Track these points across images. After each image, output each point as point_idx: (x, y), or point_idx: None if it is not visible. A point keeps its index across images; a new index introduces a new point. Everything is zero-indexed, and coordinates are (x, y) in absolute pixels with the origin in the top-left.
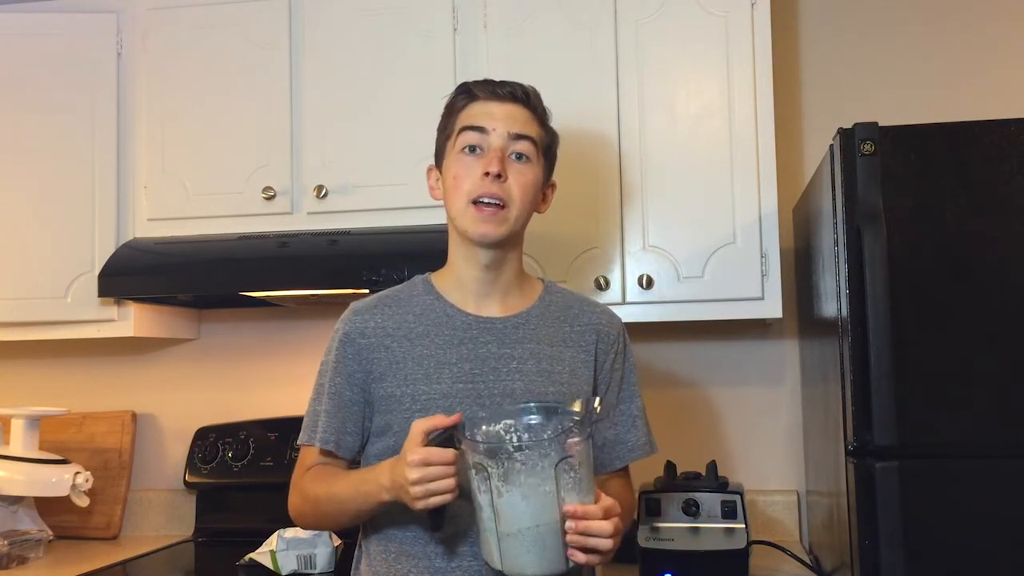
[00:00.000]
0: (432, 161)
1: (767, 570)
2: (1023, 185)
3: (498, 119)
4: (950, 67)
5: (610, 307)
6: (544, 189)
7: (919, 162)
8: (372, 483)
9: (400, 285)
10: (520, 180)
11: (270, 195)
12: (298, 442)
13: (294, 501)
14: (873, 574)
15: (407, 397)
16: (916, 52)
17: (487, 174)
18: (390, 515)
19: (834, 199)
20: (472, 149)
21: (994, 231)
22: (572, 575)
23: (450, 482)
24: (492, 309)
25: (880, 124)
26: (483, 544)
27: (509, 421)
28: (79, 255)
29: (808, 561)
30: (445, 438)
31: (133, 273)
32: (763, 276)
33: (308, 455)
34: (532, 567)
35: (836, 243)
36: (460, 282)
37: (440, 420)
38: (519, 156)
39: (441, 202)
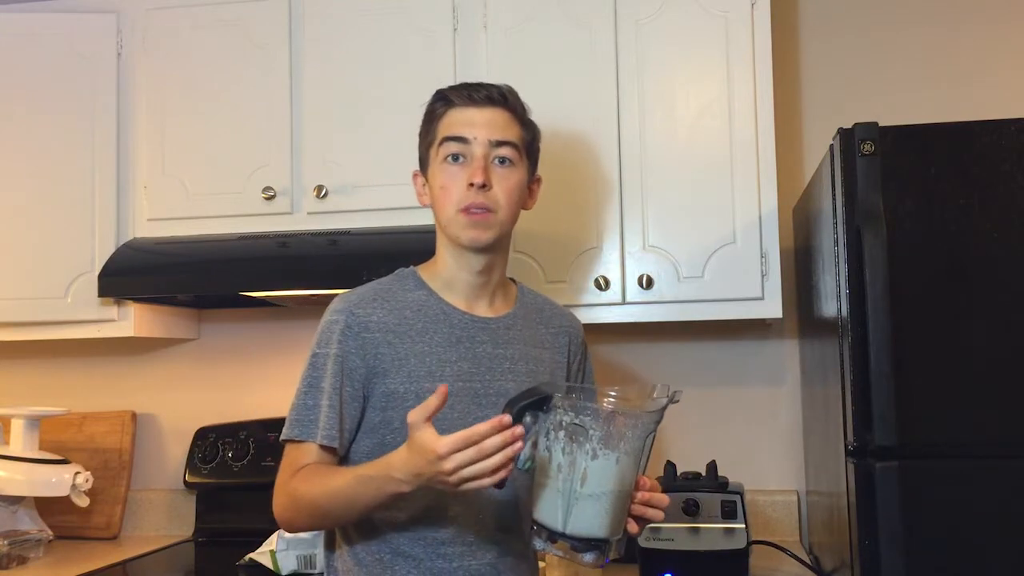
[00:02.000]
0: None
1: (767, 570)
2: (1023, 185)
3: (479, 126)
4: (950, 67)
5: (610, 307)
6: (530, 186)
7: (919, 162)
8: (383, 478)
9: (386, 278)
10: (505, 185)
11: (270, 195)
12: (287, 437)
13: (282, 504)
14: (873, 574)
15: (411, 394)
16: (916, 52)
17: (472, 185)
18: (383, 516)
19: (834, 199)
20: (455, 158)
21: (994, 231)
22: (615, 545)
23: (498, 459)
24: (482, 309)
25: (880, 124)
26: (543, 506)
27: (588, 402)
28: (79, 255)
29: (808, 561)
30: (531, 403)
31: (133, 273)
32: (763, 276)
33: (302, 453)
34: (600, 529)
35: (836, 243)
36: (450, 283)
37: (434, 403)
38: (502, 160)
39: (429, 207)
